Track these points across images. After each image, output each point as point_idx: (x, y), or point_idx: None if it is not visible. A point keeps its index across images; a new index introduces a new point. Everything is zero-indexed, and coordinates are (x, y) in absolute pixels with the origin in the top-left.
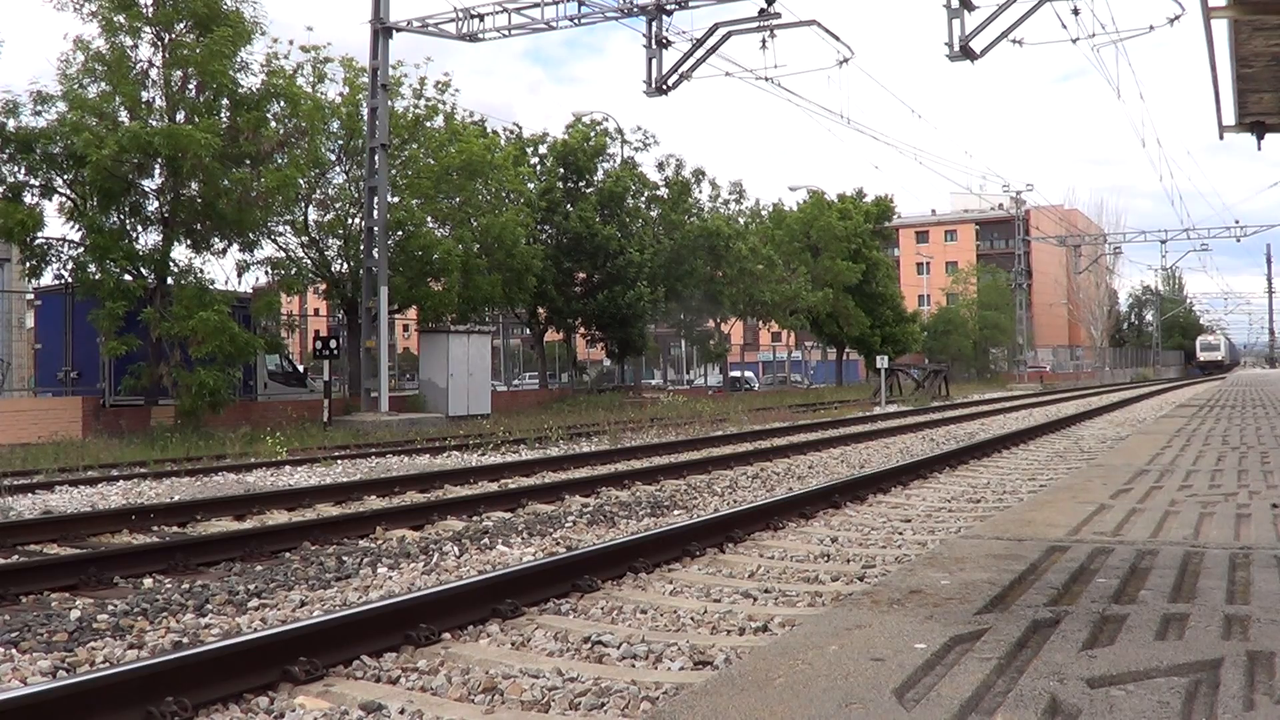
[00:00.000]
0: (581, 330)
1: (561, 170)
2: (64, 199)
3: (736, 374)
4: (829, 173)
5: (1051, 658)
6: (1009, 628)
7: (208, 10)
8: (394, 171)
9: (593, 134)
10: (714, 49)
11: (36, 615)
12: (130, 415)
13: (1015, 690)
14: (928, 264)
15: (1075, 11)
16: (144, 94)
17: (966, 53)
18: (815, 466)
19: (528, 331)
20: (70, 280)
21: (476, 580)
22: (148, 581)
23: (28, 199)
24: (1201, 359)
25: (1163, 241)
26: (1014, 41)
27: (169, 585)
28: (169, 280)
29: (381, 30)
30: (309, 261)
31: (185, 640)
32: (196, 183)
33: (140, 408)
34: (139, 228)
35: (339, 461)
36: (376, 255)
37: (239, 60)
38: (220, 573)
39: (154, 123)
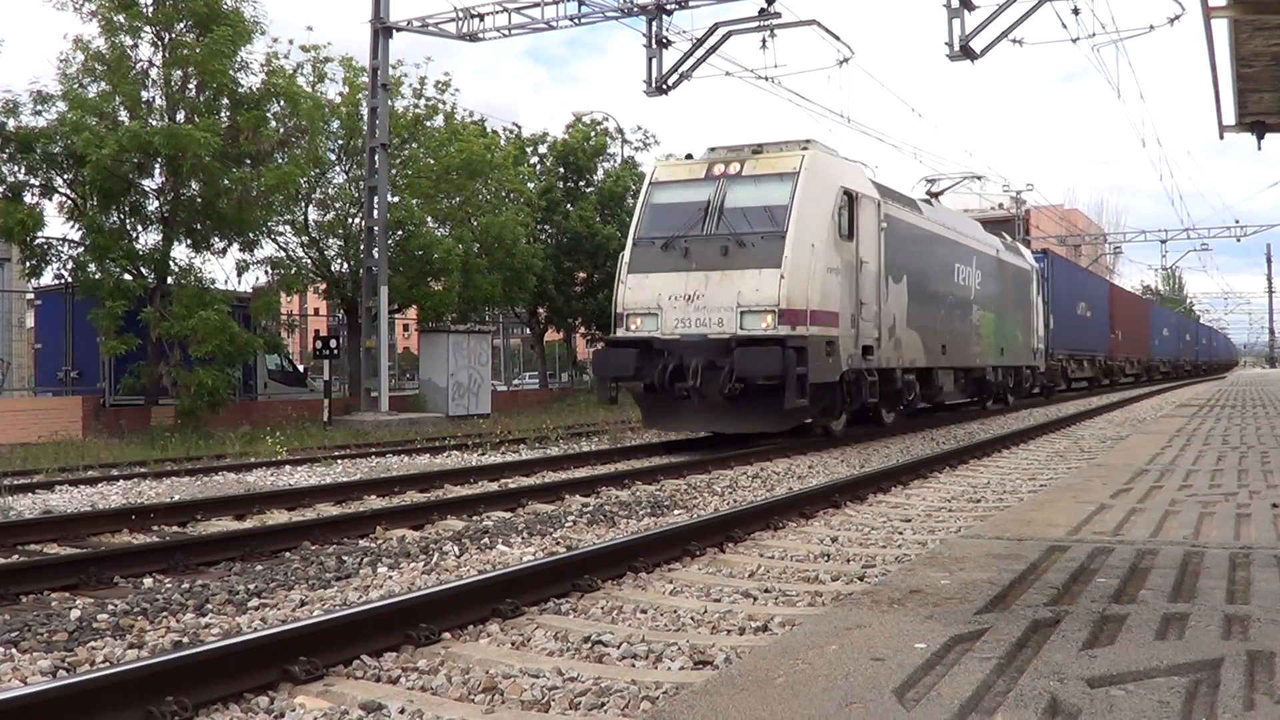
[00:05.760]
0: (581, 330)
1: (561, 170)
2: (64, 199)
3: None
4: None
5: (1051, 657)
6: (1009, 627)
7: (208, 10)
8: (394, 171)
9: (593, 133)
10: (714, 49)
11: (36, 615)
12: (130, 415)
13: (1015, 690)
14: None
15: (1075, 11)
16: (144, 94)
17: (966, 52)
18: (815, 466)
19: (528, 331)
20: (70, 280)
21: (476, 580)
22: (148, 581)
23: (28, 199)
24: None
25: (1163, 241)
26: (1014, 41)
27: (169, 585)
28: (169, 280)
29: (381, 30)
30: (309, 261)
31: (185, 640)
32: (196, 182)
33: (140, 407)
34: (139, 227)
35: (339, 461)
36: (376, 255)
37: (239, 60)
38: (220, 572)
39: (154, 122)
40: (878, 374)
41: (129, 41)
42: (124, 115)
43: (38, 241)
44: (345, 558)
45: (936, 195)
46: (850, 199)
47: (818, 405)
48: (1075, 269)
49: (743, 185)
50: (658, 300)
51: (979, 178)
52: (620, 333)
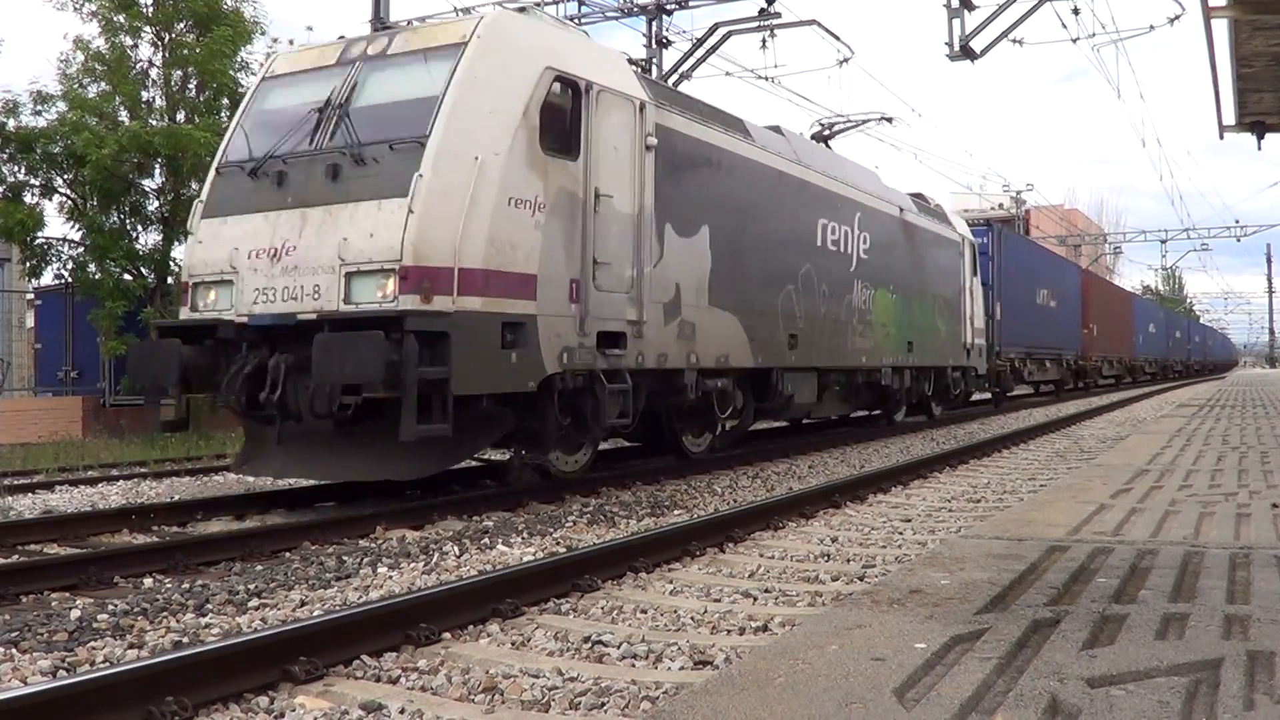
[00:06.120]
0: None
1: None
2: (64, 199)
3: None
4: None
5: (1051, 657)
6: (1009, 627)
7: (208, 10)
8: None
9: None
10: (714, 49)
11: (36, 615)
12: (130, 415)
13: (1015, 690)
14: None
15: (1075, 11)
16: (144, 94)
17: (966, 52)
18: (815, 466)
19: None
20: (70, 280)
21: (476, 580)
22: (148, 581)
23: (28, 199)
24: None
25: (1163, 241)
26: (1014, 41)
27: (169, 585)
28: (169, 280)
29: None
30: None
31: (185, 640)
32: (196, 182)
33: (140, 407)
34: (139, 227)
35: None
36: None
37: (239, 60)
38: (220, 572)
39: (154, 122)
40: (643, 378)
41: (129, 42)
42: (124, 115)
43: (38, 241)
44: (345, 558)
45: (826, 139)
46: (573, 92)
47: (491, 432)
48: (1034, 248)
49: (384, 71)
50: (232, 259)
51: (889, 119)
52: (184, 313)
